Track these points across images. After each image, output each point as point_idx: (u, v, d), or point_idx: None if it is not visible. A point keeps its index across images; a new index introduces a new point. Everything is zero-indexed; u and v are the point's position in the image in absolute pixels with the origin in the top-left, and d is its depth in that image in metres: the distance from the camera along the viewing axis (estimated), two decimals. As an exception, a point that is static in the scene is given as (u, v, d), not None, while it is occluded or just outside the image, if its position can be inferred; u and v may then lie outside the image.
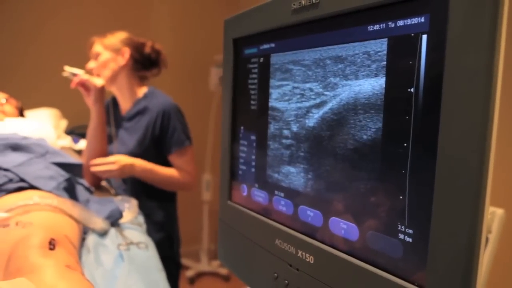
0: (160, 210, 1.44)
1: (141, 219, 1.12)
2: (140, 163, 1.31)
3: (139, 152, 1.37)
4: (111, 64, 1.38)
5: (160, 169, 1.36)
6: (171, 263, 1.44)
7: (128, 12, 2.49)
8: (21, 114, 1.53)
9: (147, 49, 1.44)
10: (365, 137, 0.39)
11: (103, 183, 1.43)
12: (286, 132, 0.49)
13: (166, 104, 1.39)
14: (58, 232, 0.74)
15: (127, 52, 1.38)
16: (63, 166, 1.08)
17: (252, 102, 0.56)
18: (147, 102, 1.40)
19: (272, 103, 0.52)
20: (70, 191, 1.02)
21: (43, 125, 1.41)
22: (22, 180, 0.94)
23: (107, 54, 1.38)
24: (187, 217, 1.67)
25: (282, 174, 0.51)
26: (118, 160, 1.25)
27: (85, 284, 0.62)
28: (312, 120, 0.44)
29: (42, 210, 0.82)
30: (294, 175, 0.48)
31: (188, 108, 1.47)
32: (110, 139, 1.44)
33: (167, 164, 1.41)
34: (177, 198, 1.56)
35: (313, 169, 0.45)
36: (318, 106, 0.44)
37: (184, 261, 2.39)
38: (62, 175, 1.03)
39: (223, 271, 2.72)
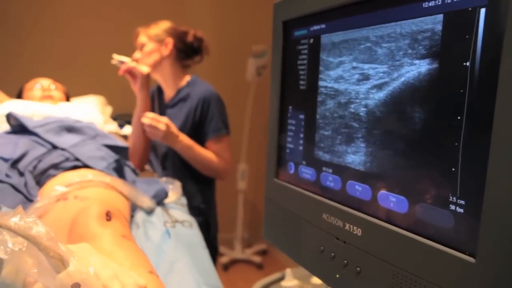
0: (199, 194, 1.49)
1: (184, 200, 1.16)
2: (184, 138, 1.34)
3: (180, 138, 1.42)
4: (155, 54, 1.44)
5: (200, 148, 1.40)
6: (208, 247, 1.49)
7: (166, 4, 2.56)
8: (67, 98, 1.61)
9: (190, 38, 1.48)
10: (419, 112, 0.40)
11: (146, 167, 1.49)
12: (339, 111, 0.51)
13: (207, 92, 1.43)
14: (113, 206, 0.79)
15: (170, 42, 1.43)
16: (111, 148, 1.14)
17: (301, 82, 0.58)
18: (190, 90, 1.45)
19: (324, 83, 0.53)
20: (119, 171, 1.07)
21: (92, 110, 1.48)
22: (76, 159, 1.00)
23: (151, 45, 1.43)
24: (222, 206, 1.71)
25: (331, 151, 0.52)
26: (168, 124, 1.29)
27: (139, 253, 0.67)
28: (371, 101, 0.46)
29: (96, 187, 0.88)
30: (344, 152, 0.50)
31: (224, 98, 1.50)
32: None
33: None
34: (215, 184, 1.61)
35: (364, 146, 0.47)
36: (375, 86, 0.45)
37: (219, 248, 2.45)
38: (112, 156, 1.08)
39: (257, 259, 2.76)
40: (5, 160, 0.93)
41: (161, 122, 1.28)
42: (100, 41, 2.35)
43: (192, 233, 0.94)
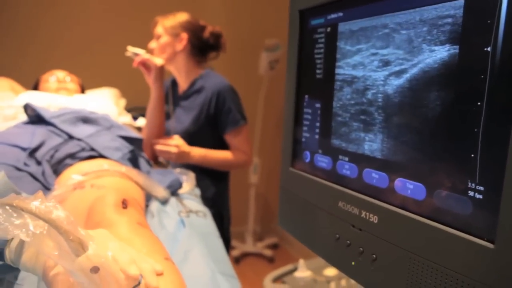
0: (212, 187, 1.50)
1: (197, 191, 1.17)
2: (196, 152, 1.37)
3: (194, 129, 1.43)
4: (169, 48, 1.44)
5: (214, 153, 1.42)
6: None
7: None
8: (82, 90, 1.63)
9: (206, 34, 1.48)
10: (438, 98, 0.40)
11: (160, 158, 1.51)
12: (356, 98, 0.51)
13: (221, 84, 1.43)
14: (128, 195, 0.80)
15: (185, 38, 1.44)
16: (126, 139, 1.15)
17: (318, 71, 0.58)
18: (203, 82, 1.46)
19: (341, 70, 0.53)
20: (134, 161, 1.08)
21: (106, 102, 1.50)
22: (92, 149, 1.01)
23: (166, 38, 1.44)
24: (234, 199, 1.72)
25: (348, 139, 0.52)
26: (179, 146, 1.32)
27: (155, 240, 0.67)
28: (389, 87, 0.46)
29: (112, 176, 0.89)
30: (361, 140, 0.50)
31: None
32: (168, 117, 1.51)
33: (221, 142, 1.47)
34: (229, 177, 1.62)
35: (381, 133, 0.47)
36: (394, 73, 0.45)
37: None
38: (127, 146, 1.09)
39: (268, 252, 2.77)
40: (23, 149, 0.94)
41: (172, 145, 1.33)
42: (115, 33, 2.37)
43: (206, 223, 0.94)
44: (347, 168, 0.53)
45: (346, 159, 0.53)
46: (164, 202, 1.00)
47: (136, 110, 1.87)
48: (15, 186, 0.61)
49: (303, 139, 0.62)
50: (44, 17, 2.28)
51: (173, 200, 1.01)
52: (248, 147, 1.48)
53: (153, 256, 0.61)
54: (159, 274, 0.55)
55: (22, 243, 0.54)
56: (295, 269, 1.18)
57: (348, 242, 0.51)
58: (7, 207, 0.45)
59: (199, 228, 0.90)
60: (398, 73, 0.44)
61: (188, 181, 1.17)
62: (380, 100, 0.47)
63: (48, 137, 1.00)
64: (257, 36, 2.75)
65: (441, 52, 0.39)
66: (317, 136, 0.59)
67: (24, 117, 1.20)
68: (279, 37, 2.69)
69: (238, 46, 2.77)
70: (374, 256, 0.47)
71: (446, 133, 0.39)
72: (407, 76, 0.43)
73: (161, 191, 1.00)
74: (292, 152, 0.64)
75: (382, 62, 0.47)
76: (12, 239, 0.54)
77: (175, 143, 1.33)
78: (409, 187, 0.44)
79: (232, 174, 1.64)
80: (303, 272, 0.95)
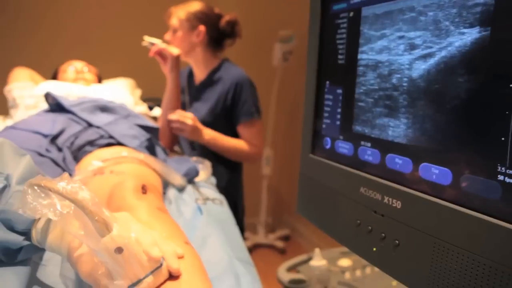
0: (227, 176, 1.50)
1: (213, 180, 1.18)
2: (208, 131, 1.37)
3: (210, 120, 1.43)
4: (186, 41, 1.44)
5: (227, 139, 1.41)
6: (235, 228, 1.51)
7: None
8: (99, 81, 1.65)
9: (223, 24, 1.47)
10: (467, 81, 0.39)
11: (176, 148, 1.52)
12: (380, 83, 0.50)
13: (239, 76, 1.43)
14: (147, 181, 0.81)
15: (202, 31, 1.43)
16: (143, 128, 1.16)
17: (340, 57, 0.58)
18: (221, 73, 1.46)
19: (364, 56, 0.53)
20: (151, 149, 1.09)
21: (123, 92, 1.51)
22: (110, 137, 1.02)
23: (183, 31, 1.43)
24: (246, 191, 1.72)
25: (371, 125, 0.52)
26: (195, 120, 1.32)
27: (174, 224, 0.68)
28: (415, 71, 0.45)
29: (131, 162, 0.90)
30: (385, 125, 0.50)
31: (250, 83, 1.51)
32: (184, 107, 1.52)
33: (236, 135, 1.47)
34: (243, 168, 1.62)
35: (406, 118, 0.46)
36: (421, 56, 0.44)
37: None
38: (144, 135, 1.10)
39: (279, 244, 2.78)
40: (45, 136, 0.96)
41: (188, 117, 1.31)
42: (130, 23, 2.37)
43: (223, 210, 0.95)
44: (369, 154, 0.53)
45: (369, 144, 0.53)
46: (181, 189, 1.01)
47: (151, 101, 1.88)
48: (40, 170, 0.62)
49: (324, 126, 0.62)
50: (62, 8, 2.30)
51: (189, 187, 1.02)
52: (260, 141, 1.47)
53: (173, 240, 0.62)
54: (180, 257, 0.56)
55: (48, 224, 0.55)
56: (309, 259, 1.18)
57: (370, 228, 0.51)
58: (36, 187, 0.45)
59: (216, 215, 0.91)
60: (425, 57, 0.44)
61: (204, 170, 1.17)
62: (405, 84, 0.46)
63: (68, 125, 1.01)
64: (271, 27, 2.73)
65: (472, 34, 0.38)
66: (338, 123, 0.59)
67: (44, 106, 1.21)
68: (293, 28, 2.67)
69: (251, 37, 2.75)
70: (397, 242, 0.47)
71: (475, 117, 0.38)
72: (434, 59, 0.42)
73: (178, 179, 1.01)
74: (312, 139, 0.64)
75: (408, 46, 0.46)
76: (39, 220, 0.55)
77: (191, 116, 1.32)
78: (434, 172, 0.43)
79: (245, 165, 1.64)
80: (318, 261, 0.95)
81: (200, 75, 1.52)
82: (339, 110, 0.58)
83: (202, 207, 0.92)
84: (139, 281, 0.49)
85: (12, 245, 0.56)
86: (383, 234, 0.49)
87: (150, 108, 1.74)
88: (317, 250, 0.97)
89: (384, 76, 0.49)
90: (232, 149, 1.42)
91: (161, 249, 0.52)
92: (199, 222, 0.85)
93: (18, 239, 0.56)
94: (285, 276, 1.08)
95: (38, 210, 0.45)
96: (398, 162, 0.48)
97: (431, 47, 0.43)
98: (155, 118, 1.61)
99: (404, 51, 0.46)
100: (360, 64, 0.54)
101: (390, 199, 0.48)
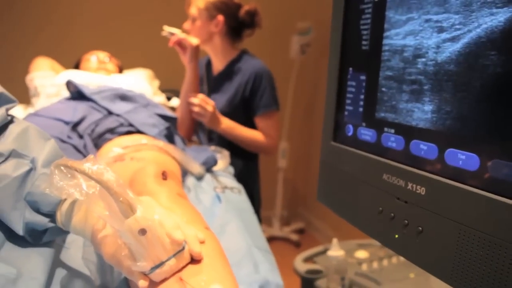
0: (243, 168, 1.51)
1: (231, 169, 1.18)
2: (225, 121, 1.38)
3: (228, 110, 1.44)
4: (204, 31, 1.44)
5: (243, 129, 1.42)
6: (252, 219, 1.52)
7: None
8: (120, 71, 1.66)
9: (242, 14, 1.46)
10: (498, 63, 0.38)
11: (193, 138, 1.53)
12: (406, 68, 0.49)
13: (259, 67, 1.43)
14: (167, 168, 0.81)
15: (221, 21, 1.43)
16: (162, 117, 1.17)
17: (364, 42, 0.57)
18: (240, 64, 1.46)
19: (389, 41, 0.52)
20: (169, 138, 1.10)
21: (142, 82, 1.53)
22: (130, 125, 1.04)
23: (202, 21, 1.43)
24: (262, 183, 1.73)
25: (395, 111, 0.51)
26: (214, 107, 1.32)
27: (195, 210, 0.69)
28: (442, 54, 0.44)
29: (151, 150, 0.91)
30: (410, 111, 0.49)
31: (267, 76, 1.50)
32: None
33: (254, 126, 1.47)
34: (259, 160, 1.62)
35: (432, 103, 0.46)
36: (449, 39, 0.43)
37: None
38: (163, 124, 1.11)
39: (294, 237, 2.78)
40: (66, 123, 0.98)
41: (209, 104, 1.31)
42: (149, 13, 2.39)
43: (241, 199, 0.96)
44: (392, 141, 0.52)
45: (392, 131, 0.52)
46: (199, 178, 1.02)
47: (169, 92, 1.90)
48: (64, 154, 0.63)
49: (346, 113, 0.61)
50: (81, -1, 2.33)
51: (208, 176, 1.03)
52: (276, 133, 1.47)
53: (193, 225, 0.62)
54: (201, 242, 0.56)
55: (72, 206, 0.56)
56: (325, 250, 1.18)
57: (392, 215, 0.51)
58: (62, 168, 0.46)
59: (235, 204, 0.91)
60: (454, 39, 0.43)
61: (223, 159, 1.18)
62: (432, 68, 0.45)
63: (89, 113, 1.03)
64: (288, 19, 2.72)
65: (504, 14, 0.37)
66: (361, 109, 0.58)
67: (65, 95, 1.23)
68: (311, 20, 2.65)
69: (269, 29, 2.73)
70: (420, 228, 0.46)
71: (504, 100, 0.38)
72: (463, 41, 0.42)
73: (196, 167, 1.01)
74: (334, 126, 0.63)
75: (435, 29, 0.45)
76: (64, 202, 0.56)
77: (212, 103, 1.33)
78: (461, 158, 0.43)
79: (261, 158, 1.64)
80: (336, 251, 0.95)
81: (218, 65, 1.52)
82: (362, 96, 0.58)
83: (221, 195, 0.92)
84: (161, 264, 0.50)
85: (38, 227, 0.58)
86: (406, 221, 0.48)
87: (168, 98, 1.75)
88: (334, 241, 0.97)
89: (410, 61, 0.49)
90: (248, 139, 1.42)
91: (183, 232, 0.53)
92: (218, 209, 0.86)
93: (43, 221, 0.57)
94: (302, 267, 1.08)
95: (65, 190, 0.46)
96: (423, 148, 0.47)
97: (459, 29, 0.42)
98: (173, 109, 1.62)
99: (431, 34, 0.46)
100: (384, 50, 0.53)
101: (414, 185, 0.47)
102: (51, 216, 0.58)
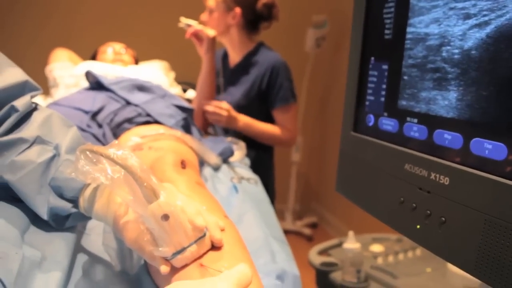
0: (258, 160, 1.51)
1: (247, 161, 1.19)
2: (243, 118, 1.39)
3: (244, 103, 1.44)
4: (221, 23, 1.44)
5: (261, 124, 1.42)
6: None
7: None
8: (136, 63, 1.68)
9: (259, 6, 1.46)
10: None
11: (210, 130, 1.54)
12: (429, 56, 0.49)
13: (276, 60, 1.43)
14: (185, 157, 0.82)
15: (238, 13, 1.43)
16: (179, 108, 1.17)
17: (386, 31, 0.56)
18: (257, 57, 1.46)
19: (413, 29, 0.51)
20: (186, 129, 1.11)
21: (158, 73, 1.54)
22: (148, 115, 1.04)
23: (219, 13, 1.43)
24: (275, 177, 1.73)
25: (418, 100, 0.51)
26: (229, 110, 1.34)
27: (214, 199, 0.69)
28: (468, 41, 0.44)
29: (168, 139, 0.92)
30: (434, 100, 0.48)
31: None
32: (218, 90, 1.53)
33: (270, 118, 1.47)
34: (274, 152, 1.62)
35: (457, 91, 0.45)
36: (476, 26, 0.43)
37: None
38: (180, 114, 1.12)
39: (307, 231, 2.78)
40: (86, 112, 0.99)
41: (223, 108, 1.35)
42: (166, 5, 2.39)
43: (258, 190, 0.96)
44: (415, 130, 0.52)
45: (415, 121, 0.52)
46: (216, 168, 1.03)
47: (184, 85, 1.91)
48: (85, 141, 0.64)
49: (367, 103, 0.61)
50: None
51: (224, 167, 1.04)
52: (294, 125, 1.47)
53: (212, 213, 0.63)
54: (221, 230, 0.57)
55: (94, 192, 0.57)
56: (340, 243, 1.17)
57: (414, 205, 0.50)
58: (88, 153, 0.47)
59: (252, 194, 0.91)
60: (480, 26, 0.42)
61: (239, 150, 1.18)
62: (457, 56, 0.45)
63: (107, 102, 1.04)
64: (304, 12, 2.70)
65: (537, 0, 0.37)
66: (382, 99, 0.57)
67: (83, 85, 1.25)
68: (326, 13, 2.63)
69: (284, 22, 2.71)
70: (443, 219, 0.46)
71: (536, 88, 0.37)
72: (491, 27, 0.41)
73: (213, 158, 1.02)
74: (355, 116, 0.63)
75: (461, 16, 0.44)
76: (87, 188, 0.57)
77: (226, 107, 1.35)
78: (487, 147, 0.42)
79: (275, 151, 1.64)
80: (352, 244, 0.94)
81: (235, 57, 1.52)
82: (383, 86, 0.57)
83: (238, 185, 0.93)
84: (183, 250, 0.50)
85: (61, 212, 0.59)
86: (428, 211, 0.48)
87: (184, 90, 1.76)
88: (350, 233, 0.97)
89: (434, 49, 0.48)
90: (266, 134, 1.44)
91: (204, 219, 0.53)
92: (235, 200, 0.86)
93: (67, 206, 0.58)
94: (317, 259, 1.08)
95: (90, 174, 0.46)
96: (447, 138, 0.47)
97: (487, 15, 0.41)
98: (189, 101, 1.63)
99: (456, 21, 0.45)
100: (408, 38, 0.52)
101: (438, 175, 0.47)
102: (74, 201, 0.59)
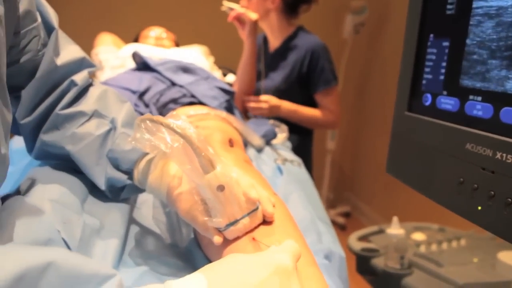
0: (298, 143, 1.51)
1: (289, 144, 1.19)
2: (286, 105, 1.39)
3: (284, 88, 1.44)
4: (261, 7, 1.44)
5: (304, 109, 1.42)
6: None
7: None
8: (177, 46, 1.70)
9: None
10: None
11: (249, 114, 1.54)
12: (500, 32, 0.46)
13: (315, 43, 1.42)
14: (232, 136, 0.83)
15: None
16: (221, 90, 1.18)
17: (449, 6, 0.54)
18: (296, 41, 1.45)
19: (480, 3, 0.49)
20: (229, 111, 1.12)
21: (200, 56, 1.55)
22: (192, 96, 1.06)
23: None
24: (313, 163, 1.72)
25: (483, 78, 0.49)
26: (269, 100, 1.35)
27: (261, 176, 0.70)
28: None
29: (214, 119, 0.93)
30: (503, 78, 0.46)
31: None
32: (258, 75, 1.53)
33: (310, 101, 1.46)
34: (313, 136, 1.61)
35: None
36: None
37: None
38: (223, 96, 1.13)
39: (340, 220, 2.76)
40: (133, 92, 1.01)
41: (262, 101, 1.38)
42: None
43: (302, 171, 0.96)
44: (478, 109, 0.50)
45: (479, 99, 0.50)
46: (259, 150, 1.03)
47: (223, 69, 1.91)
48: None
49: (424, 82, 0.59)
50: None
51: (267, 149, 1.04)
52: (338, 108, 1.46)
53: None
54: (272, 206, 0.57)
55: (148, 165, 0.59)
56: (380, 231, 1.16)
57: (475, 186, 0.49)
58: (148, 121, 0.48)
59: (296, 176, 0.91)
60: None
61: (281, 133, 1.18)
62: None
63: (153, 83, 1.06)
64: (343, -2, 2.64)
65: None
66: (442, 77, 0.56)
67: (129, 67, 1.27)
68: (367, -1, 2.56)
69: (322, 7, 2.67)
70: (510, 199, 0.44)
71: None
72: None
73: (257, 139, 1.02)
74: (410, 96, 0.61)
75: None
76: (141, 160, 0.59)
77: (265, 99, 1.36)
78: (563, 125, 0.40)
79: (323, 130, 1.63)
80: (396, 230, 0.93)
81: (274, 42, 1.52)
82: (443, 64, 0.55)
83: (282, 167, 0.93)
84: (235, 221, 0.51)
85: (117, 183, 0.61)
86: (492, 192, 0.46)
87: (224, 75, 1.77)
88: (395, 219, 0.95)
89: (507, 24, 0.46)
90: (310, 118, 1.45)
91: (257, 192, 0.54)
92: (280, 180, 0.86)
93: (122, 177, 0.60)
94: (357, 245, 1.07)
95: (151, 141, 0.48)
96: (516, 116, 0.45)
97: None
98: (229, 84, 1.64)
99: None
100: (475, 13, 0.50)
101: (504, 154, 0.45)
102: (129, 173, 0.61)
